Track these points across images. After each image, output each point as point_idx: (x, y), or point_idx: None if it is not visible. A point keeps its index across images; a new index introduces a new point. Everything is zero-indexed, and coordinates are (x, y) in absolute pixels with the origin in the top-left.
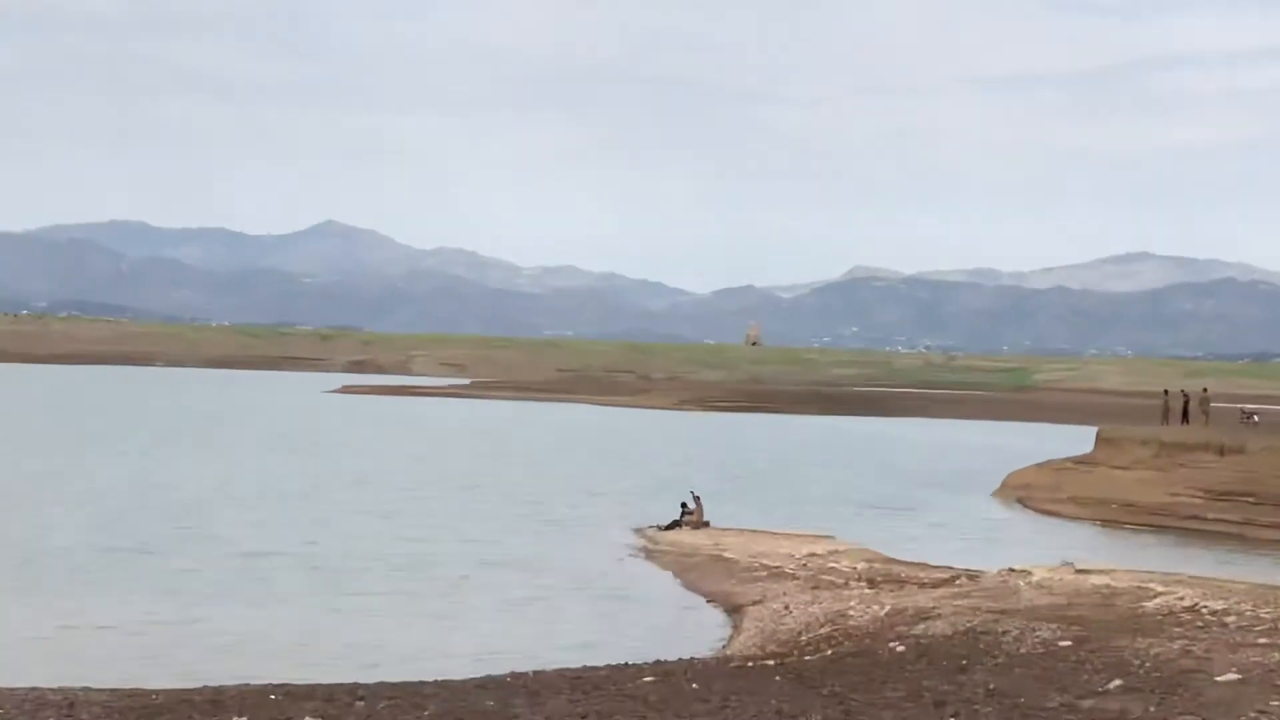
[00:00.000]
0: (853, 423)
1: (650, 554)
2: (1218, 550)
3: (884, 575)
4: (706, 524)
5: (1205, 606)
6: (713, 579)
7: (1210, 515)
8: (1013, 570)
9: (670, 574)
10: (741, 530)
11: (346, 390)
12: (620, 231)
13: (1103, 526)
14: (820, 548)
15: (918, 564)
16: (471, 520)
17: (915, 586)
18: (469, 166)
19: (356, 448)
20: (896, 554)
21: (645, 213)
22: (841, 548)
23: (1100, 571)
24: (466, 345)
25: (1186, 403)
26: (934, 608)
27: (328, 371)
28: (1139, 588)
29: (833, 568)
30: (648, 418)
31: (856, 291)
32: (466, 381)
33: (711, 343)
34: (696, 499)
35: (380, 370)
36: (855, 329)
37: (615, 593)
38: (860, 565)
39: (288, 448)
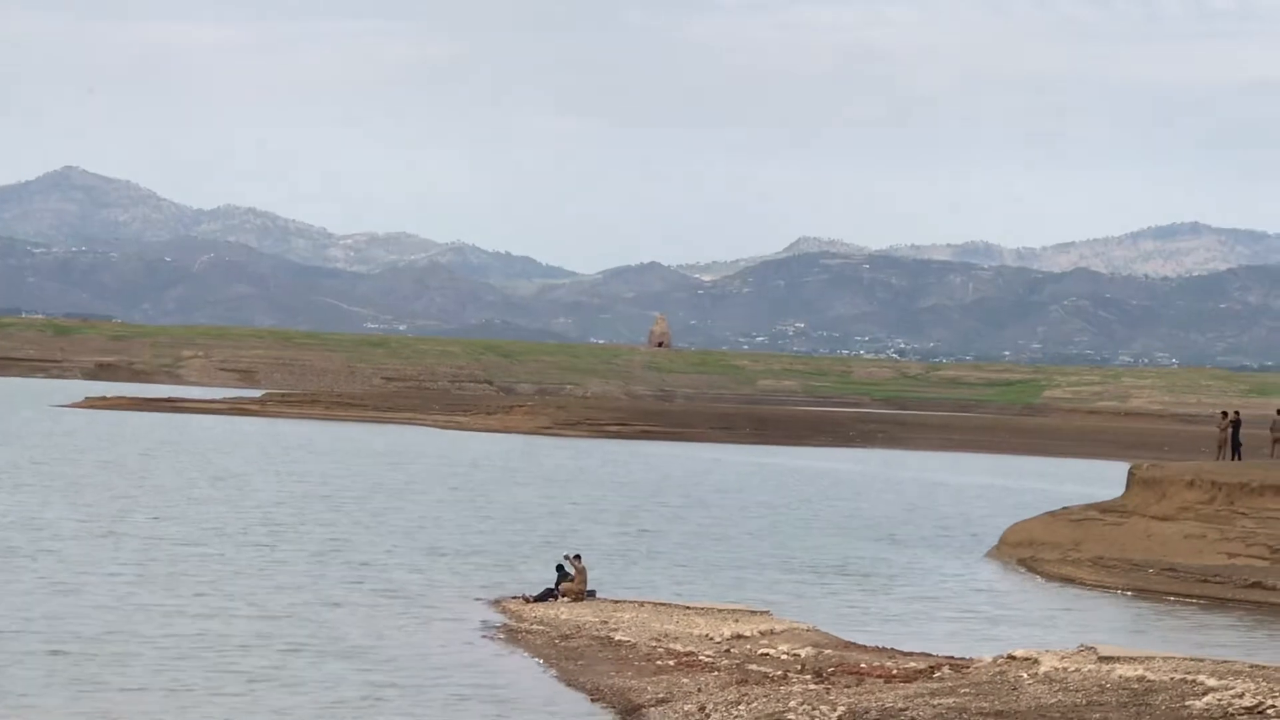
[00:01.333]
0: (796, 456)
1: (515, 635)
2: None
3: (837, 665)
4: (591, 594)
5: (1273, 706)
6: (600, 671)
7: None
8: (1013, 658)
9: (541, 663)
10: (641, 603)
11: (89, 404)
12: (474, 188)
13: (1136, 598)
14: (751, 627)
15: (884, 650)
16: (270, 588)
17: (880, 681)
18: (264, 95)
19: (103, 484)
20: (855, 636)
21: (510, 162)
22: (780, 627)
23: (1131, 659)
24: (258, 343)
25: (1236, 428)
26: (905, 709)
27: (63, 378)
28: (1183, 681)
29: (767, 655)
30: (511, 445)
31: (802, 273)
32: (258, 394)
33: (601, 343)
34: (577, 561)
35: (137, 376)
36: (801, 324)
37: (465, 692)
38: (805, 652)
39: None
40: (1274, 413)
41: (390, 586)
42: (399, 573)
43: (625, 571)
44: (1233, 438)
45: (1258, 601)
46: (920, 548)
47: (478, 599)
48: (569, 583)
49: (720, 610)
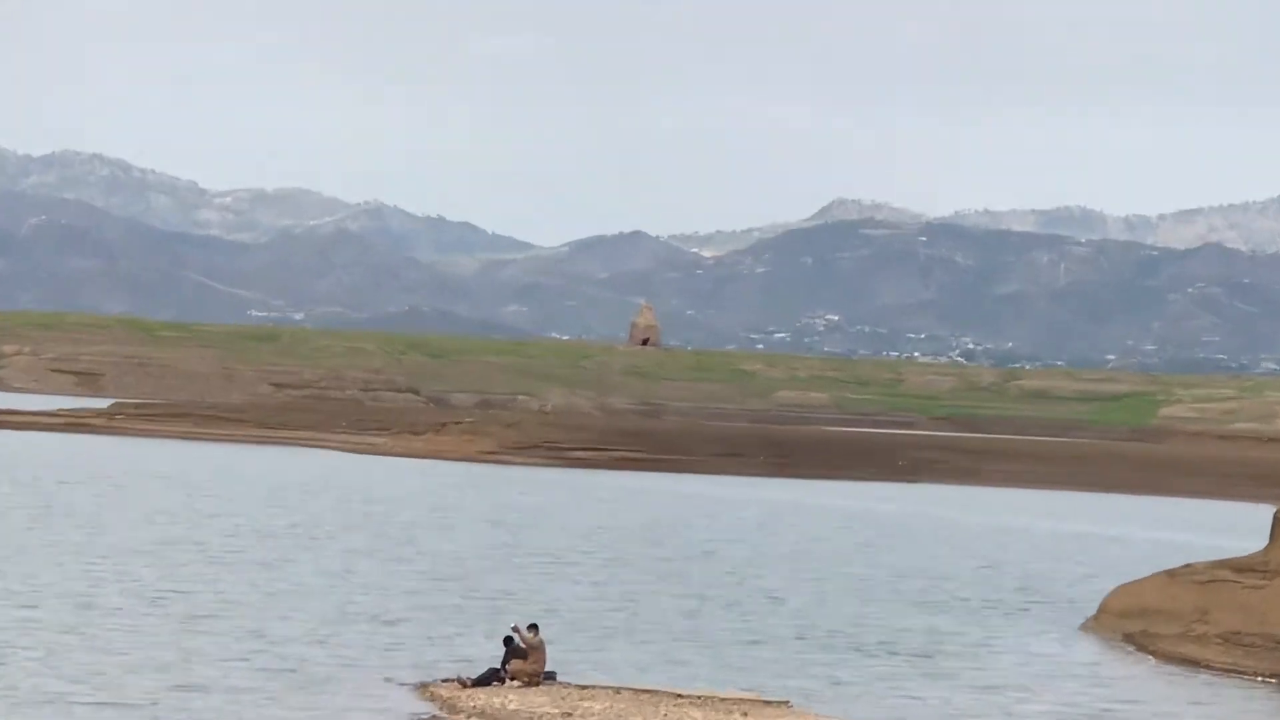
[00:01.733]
0: (828, 493)
1: None
2: None
3: None
4: (550, 676)
5: None
6: None
7: None
8: None
9: None
10: (618, 689)
11: None
12: (396, 131)
13: None
14: None
15: None
16: (121, 667)
17: None
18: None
19: None
20: None
21: (445, 98)
22: None
23: None
24: (104, 336)
25: None
26: None
27: None
28: None
29: None
30: (444, 476)
31: (837, 248)
32: (104, 404)
33: (566, 339)
34: (531, 632)
35: None
36: (834, 317)
37: None
38: None
39: None
40: None
41: (285, 665)
42: (297, 647)
43: (597, 646)
44: None
45: None
46: (995, 618)
47: (401, 682)
48: (520, 660)
49: (724, 700)
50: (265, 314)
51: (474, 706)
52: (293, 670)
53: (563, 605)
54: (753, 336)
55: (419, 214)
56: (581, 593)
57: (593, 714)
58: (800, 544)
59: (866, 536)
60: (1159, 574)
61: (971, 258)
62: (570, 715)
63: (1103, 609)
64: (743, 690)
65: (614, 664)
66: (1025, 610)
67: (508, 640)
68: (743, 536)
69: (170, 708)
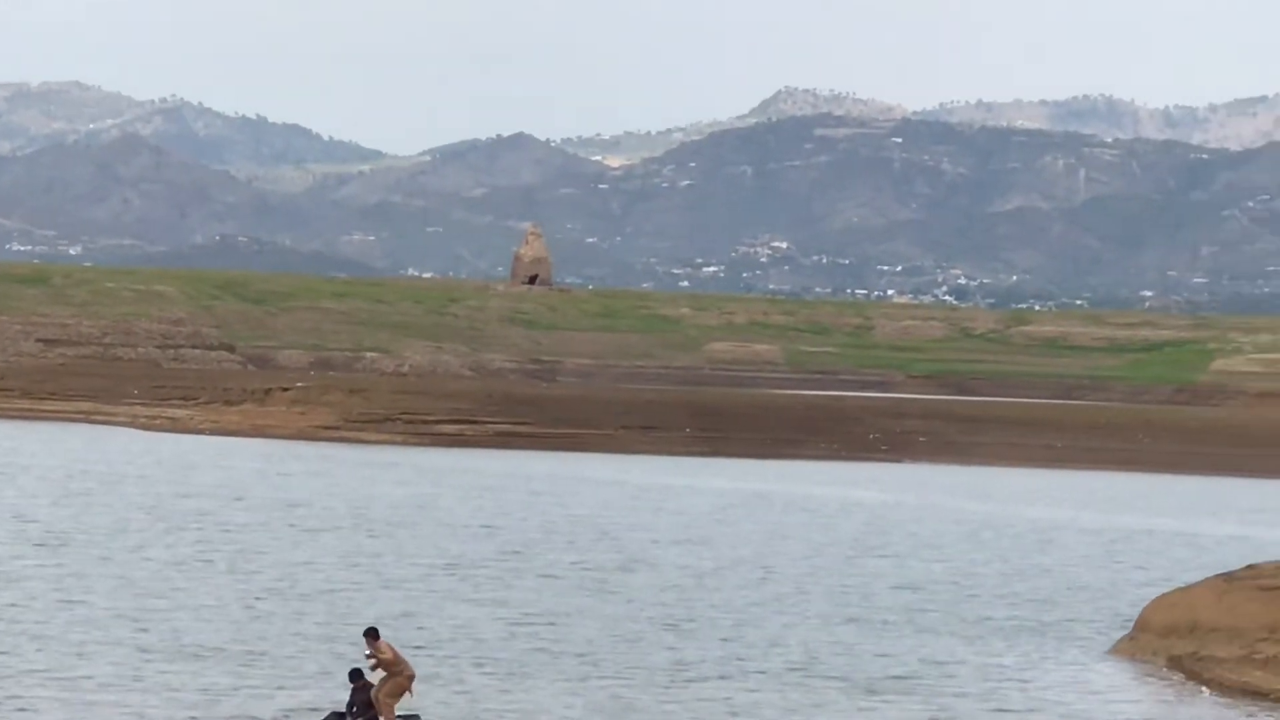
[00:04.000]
0: (777, 476)
1: None
2: None
3: None
4: None
5: None
6: None
7: None
8: None
9: None
10: None
11: None
12: (202, 12)
13: None
14: None
15: None
16: None
17: None
18: None
19: None
20: None
21: None
22: None
23: None
24: None
25: None
26: None
27: None
28: None
29: None
30: (269, 459)
31: (785, 153)
32: None
33: (428, 277)
34: (374, 640)
35: None
36: (782, 244)
37: None
38: None
39: None
40: None
41: (61, 712)
42: (75, 687)
43: (464, 680)
44: None
45: None
46: (998, 638)
47: None
48: (365, 694)
49: None
50: (28, 248)
51: None
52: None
53: (433, 632)
54: (675, 272)
55: (231, 114)
56: (459, 613)
57: None
58: (754, 546)
59: (826, 533)
60: (1214, 578)
61: (963, 164)
62: None
63: (1141, 625)
64: None
65: (506, 701)
66: (1038, 627)
67: (353, 673)
68: (679, 538)
69: None
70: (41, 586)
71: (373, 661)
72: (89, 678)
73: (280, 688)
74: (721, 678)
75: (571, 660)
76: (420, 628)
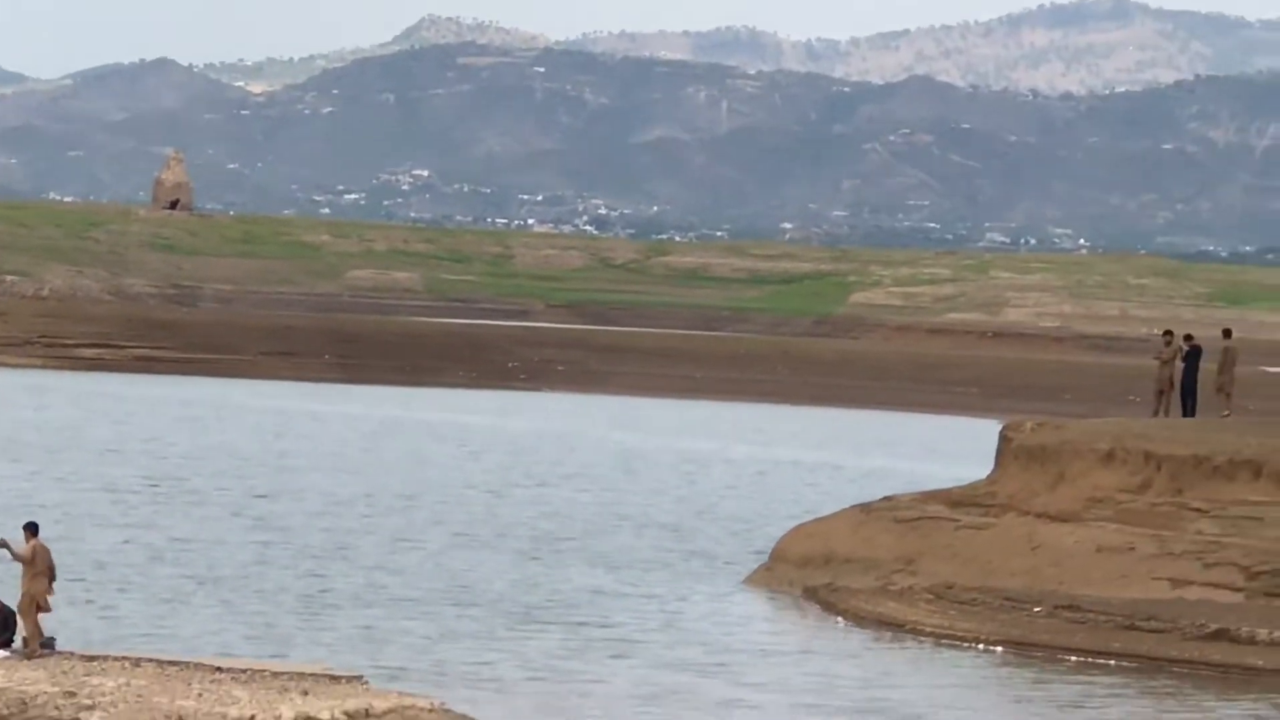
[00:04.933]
0: (413, 403)
1: None
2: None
3: None
4: (49, 645)
5: None
6: None
7: (1263, 633)
8: None
9: None
10: (137, 660)
11: None
12: None
13: (1012, 656)
14: (331, 705)
15: None
16: None
17: None
18: None
19: None
20: (518, 718)
21: None
22: (382, 705)
23: None
24: None
25: (1192, 362)
26: None
27: None
28: None
29: None
30: None
31: (429, 82)
32: None
33: (69, 200)
34: (31, 534)
35: None
36: (424, 172)
37: None
38: None
39: None
40: (1221, 336)
41: None
42: None
43: (113, 605)
44: (1184, 378)
45: (1222, 664)
46: (641, 568)
47: None
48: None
49: (279, 674)
50: None
51: None
52: None
53: (97, 558)
54: (316, 199)
55: None
56: (118, 540)
57: (103, 693)
58: (399, 474)
59: (459, 463)
60: (850, 509)
61: (605, 94)
62: (74, 695)
63: (776, 556)
64: (300, 663)
65: (136, 628)
66: (668, 558)
67: None
68: (323, 465)
69: None
70: None
71: (7, 554)
72: None
73: None
74: (367, 605)
75: (220, 586)
76: (69, 552)
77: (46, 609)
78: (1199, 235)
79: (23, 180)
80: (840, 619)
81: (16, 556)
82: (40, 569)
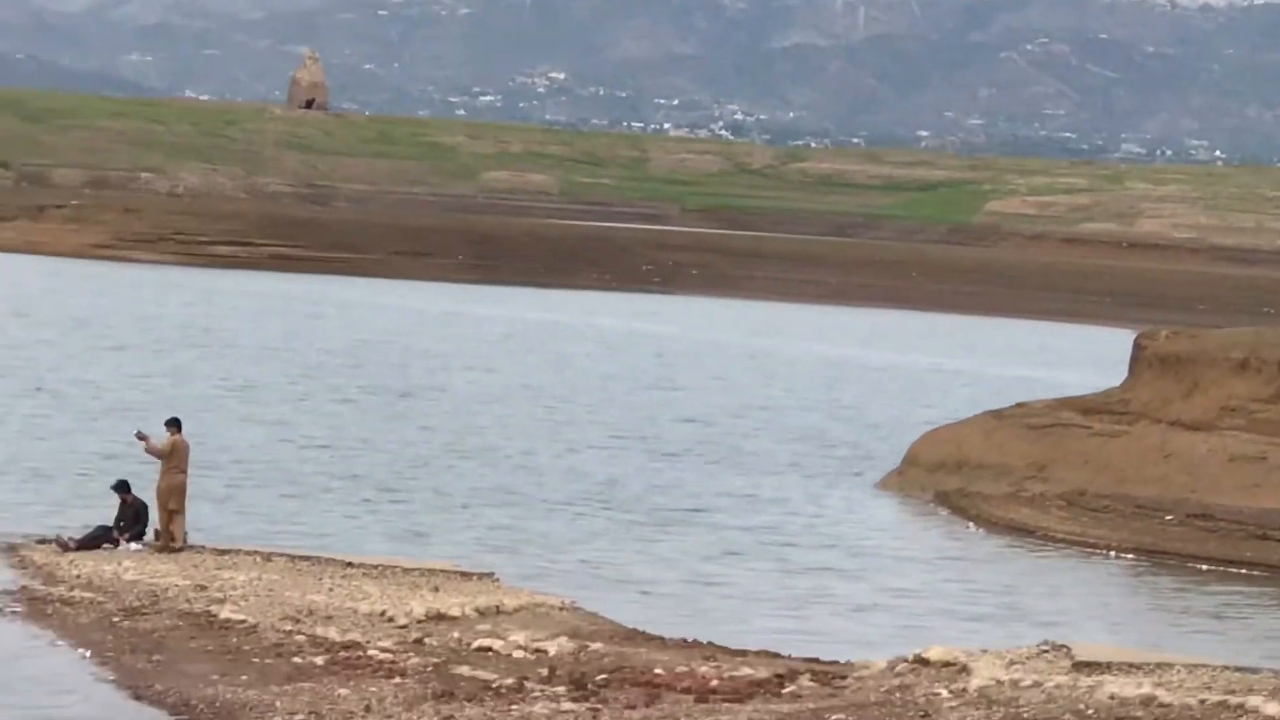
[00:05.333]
0: (549, 305)
1: (42, 608)
2: None
3: (613, 670)
4: (175, 541)
5: None
6: (191, 673)
7: None
8: (924, 662)
9: (89, 654)
10: (269, 555)
11: None
12: None
13: (1142, 562)
14: (463, 602)
15: (696, 645)
16: None
17: (687, 699)
18: None
19: None
20: (646, 620)
21: None
22: (514, 603)
23: (1132, 667)
24: None
25: None
26: None
27: None
28: (1222, 706)
29: (489, 650)
30: (42, 277)
31: None
32: None
33: (205, 99)
34: (173, 427)
35: None
36: (560, 75)
37: None
38: (558, 646)
39: None
40: None
41: None
42: None
43: (248, 502)
44: None
45: None
46: (761, 472)
47: None
48: (133, 518)
49: (410, 570)
50: None
51: (78, 576)
52: None
53: (235, 454)
54: (452, 100)
55: None
56: (258, 437)
57: (234, 586)
58: (540, 375)
59: (596, 364)
60: (983, 415)
61: (742, 0)
62: (206, 589)
63: (909, 460)
64: (433, 560)
65: (270, 524)
66: (803, 463)
67: (121, 486)
68: (465, 365)
69: None
70: None
71: (144, 447)
72: None
73: (59, 506)
74: (503, 505)
75: (356, 483)
76: (210, 449)
77: (180, 506)
78: None
79: (158, 78)
80: (972, 524)
81: (154, 451)
82: (179, 464)
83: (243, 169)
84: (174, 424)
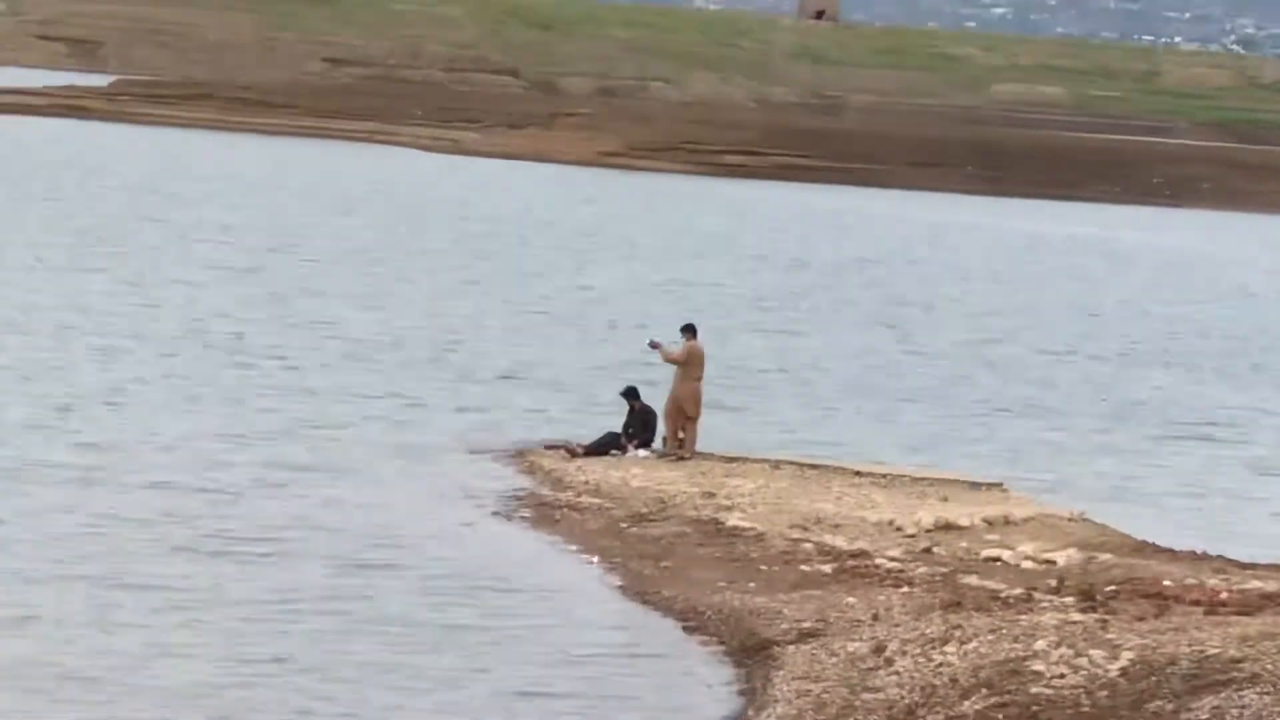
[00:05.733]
0: (1059, 217)
1: (549, 514)
2: None
3: (1122, 582)
4: (685, 450)
5: None
6: (700, 581)
7: None
8: None
9: (594, 564)
10: (777, 463)
11: None
12: None
13: None
14: (970, 512)
15: (1205, 558)
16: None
17: (1196, 611)
18: None
19: None
20: (1157, 532)
21: None
22: (1022, 513)
23: None
24: None
25: None
26: (1241, 661)
27: None
28: None
29: (997, 560)
30: (553, 184)
31: None
32: (105, 81)
33: (716, 9)
34: (688, 333)
35: None
36: None
37: (456, 618)
38: (1066, 556)
39: None
40: None
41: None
42: (371, 402)
43: (758, 410)
44: None
45: None
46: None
47: (493, 450)
48: (640, 423)
49: (918, 480)
50: None
51: (585, 482)
52: (341, 437)
53: (744, 362)
54: (963, 11)
55: None
56: (765, 345)
57: (742, 494)
58: (1061, 288)
59: (1114, 275)
60: None
61: None
62: (714, 496)
63: None
64: (941, 470)
65: (777, 430)
66: None
67: (629, 393)
68: (974, 275)
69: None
70: (309, 305)
71: (660, 354)
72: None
73: (570, 413)
74: (1018, 417)
75: (864, 393)
76: (715, 358)
77: (696, 413)
78: None
79: None
80: None
81: (669, 358)
82: (694, 371)
83: (752, 79)
84: (689, 330)
